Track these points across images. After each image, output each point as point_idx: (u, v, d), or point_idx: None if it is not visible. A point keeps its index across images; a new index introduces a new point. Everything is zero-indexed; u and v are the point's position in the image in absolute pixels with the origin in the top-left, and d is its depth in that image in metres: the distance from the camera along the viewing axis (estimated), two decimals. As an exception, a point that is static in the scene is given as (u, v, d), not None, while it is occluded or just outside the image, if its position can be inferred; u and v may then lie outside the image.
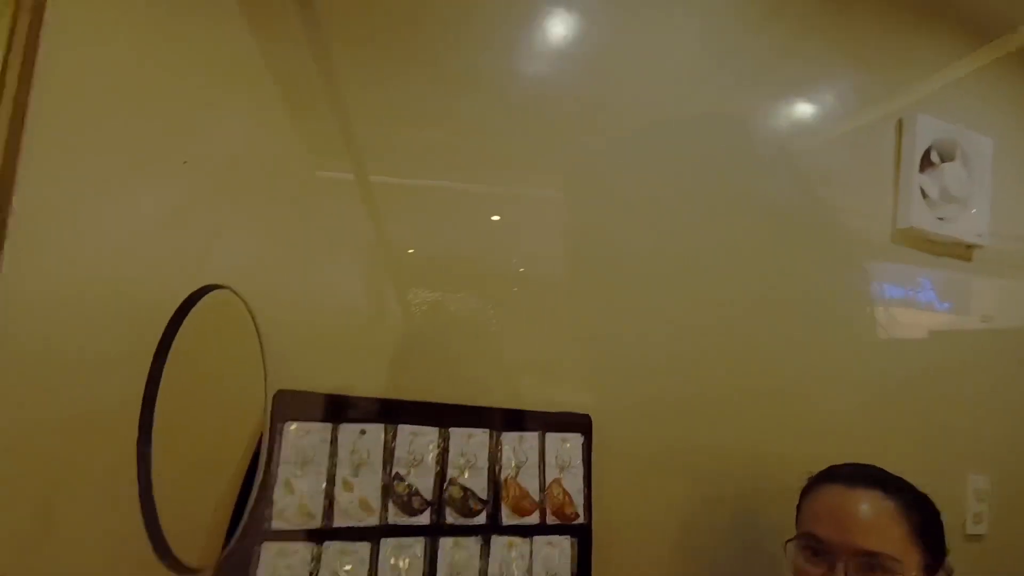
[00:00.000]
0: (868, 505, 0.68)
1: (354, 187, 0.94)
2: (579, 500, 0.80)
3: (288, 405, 0.72)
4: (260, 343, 0.72)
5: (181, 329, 0.63)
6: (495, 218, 0.99)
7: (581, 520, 0.79)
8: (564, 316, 0.91)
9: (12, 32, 0.73)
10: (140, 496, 0.59)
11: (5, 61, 0.72)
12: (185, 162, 0.77)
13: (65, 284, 0.70)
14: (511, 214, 0.98)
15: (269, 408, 0.71)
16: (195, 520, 0.69)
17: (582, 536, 0.79)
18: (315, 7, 0.90)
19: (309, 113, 0.95)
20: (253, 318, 0.71)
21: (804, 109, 1.11)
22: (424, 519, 0.72)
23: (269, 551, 0.66)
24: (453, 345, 0.88)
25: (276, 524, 0.67)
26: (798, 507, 0.75)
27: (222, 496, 0.68)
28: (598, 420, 0.85)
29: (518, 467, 0.78)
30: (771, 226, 1.01)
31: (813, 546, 0.69)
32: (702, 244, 0.95)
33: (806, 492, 0.75)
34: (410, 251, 0.94)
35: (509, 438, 0.79)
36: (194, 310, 0.67)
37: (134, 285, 0.71)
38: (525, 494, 0.77)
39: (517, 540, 0.75)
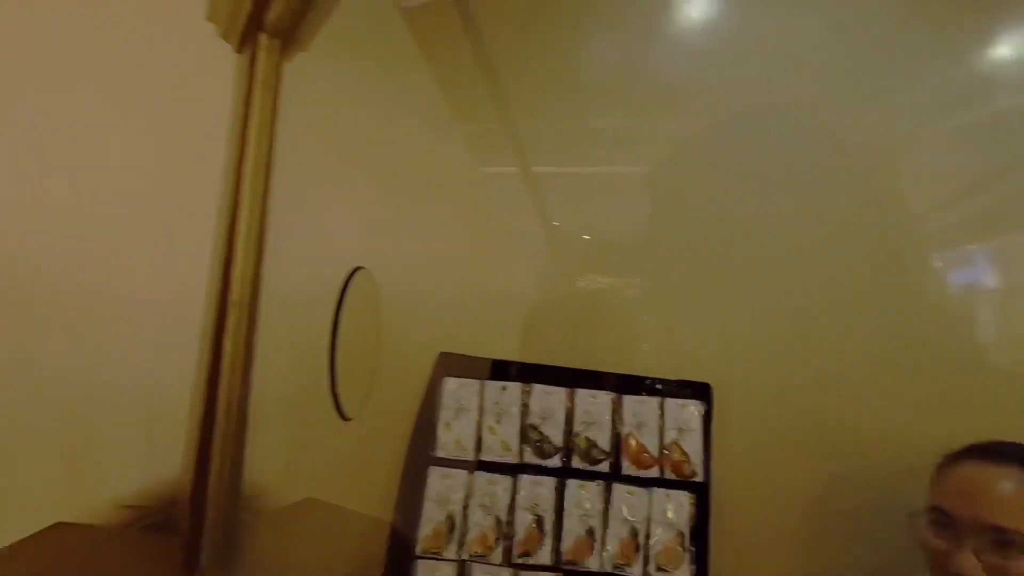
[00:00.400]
0: (1005, 481, 0.63)
1: (516, 178, 1.11)
2: (697, 460, 0.86)
3: (449, 364, 0.93)
4: (378, 312, 0.93)
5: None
6: (653, 200, 1.07)
7: (699, 479, 0.86)
8: (689, 290, 0.97)
9: (263, 97, 1.04)
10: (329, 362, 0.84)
11: (260, 120, 1.03)
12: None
13: (301, 274, 1.00)
14: (641, 193, 1.06)
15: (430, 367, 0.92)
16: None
17: (700, 493, 0.86)
18: (476, 16, 1.07)
19: (472, 117, 1.14)
20: (375, 292, 0.93)
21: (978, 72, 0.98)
22: (554, 462, 0.87)
23: (435, 473, 0.86)
24: (585, 317, 1.00)
25: (440, 453, 0.87)
26: (931, 482, 0.72)
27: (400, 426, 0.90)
28: (720, 390, 0.90)
29: (638, 427, 0.88)
30: (907, 194, 0.93)
31: (940, 520, 0.67)
32: (836, 215, 0.92)
33: (941, 467, 0.72)
34: (585, 237, 1.08)
35: (630, 401, 0.89)
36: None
37: (344, 266, 0.97)
38: (644, 449, 0.87)
39: (636, 489, 0.85)
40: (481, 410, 0.89)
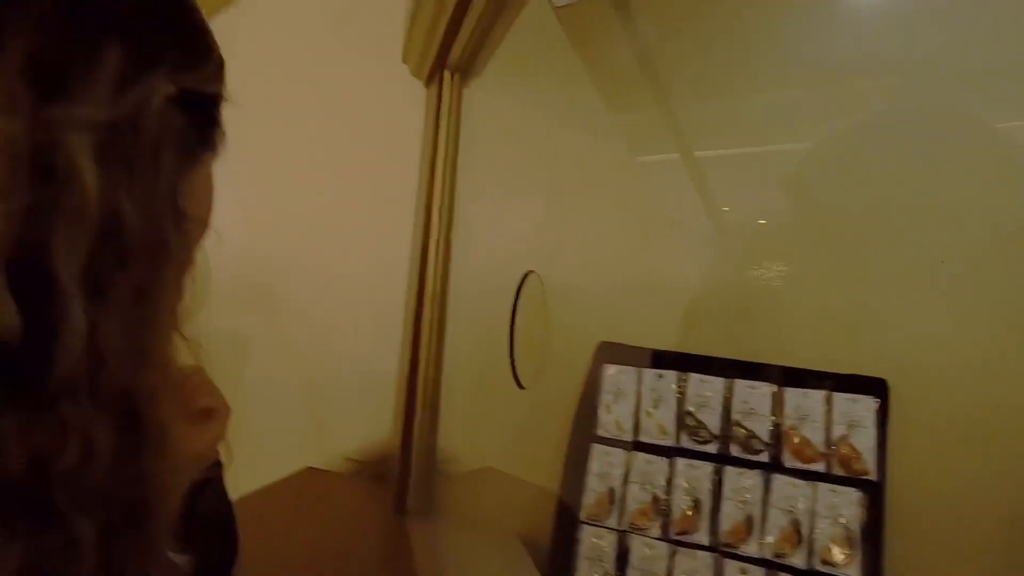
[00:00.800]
0: None
1: (679, 166, 1.14)
2: (870, 458, 0.83)
3: (609, 352, 1.01)
4: (546, 306, 1.03)
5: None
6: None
7: (872, 477, 0.83)
8: (859, 279, 0.92)
9: (449, 116, 1.22)
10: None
11: (446, 141, 1.21)
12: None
13: (481, 270, 1.16)
14: (812, 174, 1.02)
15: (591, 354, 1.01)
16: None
17: (873, 492, 0.82)
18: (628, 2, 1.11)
19: (630, 108, 1.19)
20: (543, 289, 1.03)
21: None
22: (711, 449, 0.90)
23: (597, 450, 0.96)
24: (749, 307, 1.00)
25: (601, 433, 0.96)
26: None
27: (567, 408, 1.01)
28: (900, 386, 0.85)
29: (801, 420, 0.87)
30: None
31: None
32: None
33: None
34: (761, 221, 1.08)
35: (793, 393, 0.88)
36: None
37: (515, 266, 1.10)
38: (807, 443, 0.86)
39: (799, 482, 0.85)
40: (639, 395, 0.95)
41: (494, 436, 1.23)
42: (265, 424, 1.59)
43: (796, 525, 0.84)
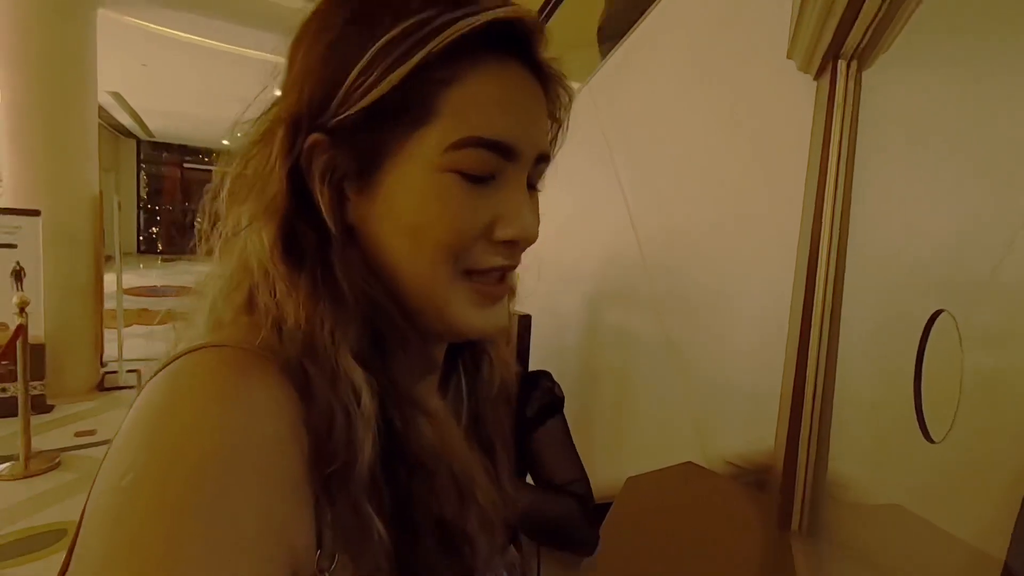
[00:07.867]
0: None
1: None
2: None
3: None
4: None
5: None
6: None
7: None
8: None
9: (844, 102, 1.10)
10: None
11: (839, 135, 1.09)
12: None
13: (881, 287, 1.01)
14: None
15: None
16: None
17: None
18: None
19: None
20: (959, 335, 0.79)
21: None
22: None
23: (1066, 522, 0.72)
24: None
25: (1073, 500, 0.72)
26: None
27: None
28: None
29: None
30: None
31: None
32: None
33: None
34: None
35: None
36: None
37: (922, 286, 0.92)
38: None
39: None
40: None
41: (898, 474, 1.06)
42: (651, 416, 1.76)
43: None
